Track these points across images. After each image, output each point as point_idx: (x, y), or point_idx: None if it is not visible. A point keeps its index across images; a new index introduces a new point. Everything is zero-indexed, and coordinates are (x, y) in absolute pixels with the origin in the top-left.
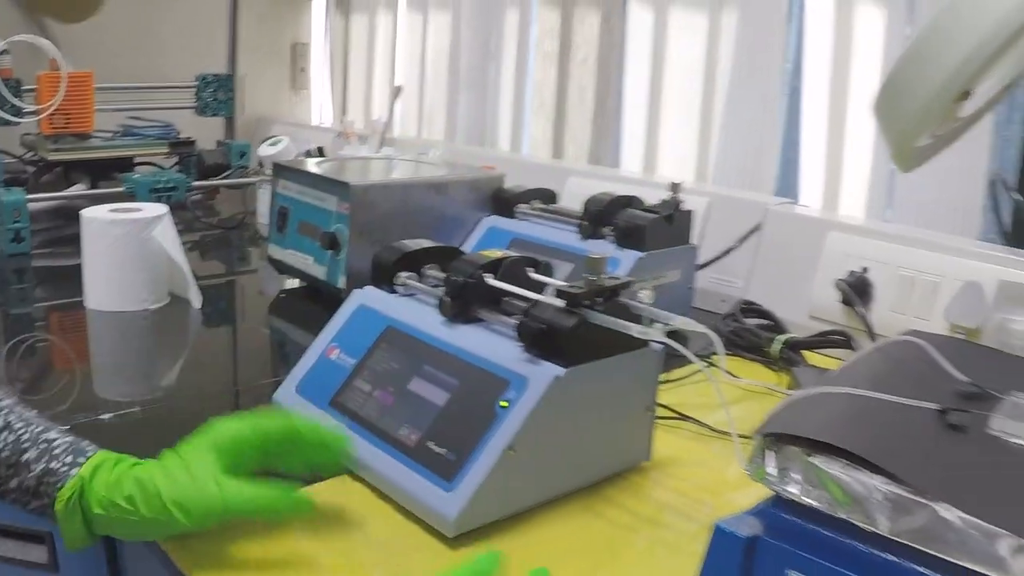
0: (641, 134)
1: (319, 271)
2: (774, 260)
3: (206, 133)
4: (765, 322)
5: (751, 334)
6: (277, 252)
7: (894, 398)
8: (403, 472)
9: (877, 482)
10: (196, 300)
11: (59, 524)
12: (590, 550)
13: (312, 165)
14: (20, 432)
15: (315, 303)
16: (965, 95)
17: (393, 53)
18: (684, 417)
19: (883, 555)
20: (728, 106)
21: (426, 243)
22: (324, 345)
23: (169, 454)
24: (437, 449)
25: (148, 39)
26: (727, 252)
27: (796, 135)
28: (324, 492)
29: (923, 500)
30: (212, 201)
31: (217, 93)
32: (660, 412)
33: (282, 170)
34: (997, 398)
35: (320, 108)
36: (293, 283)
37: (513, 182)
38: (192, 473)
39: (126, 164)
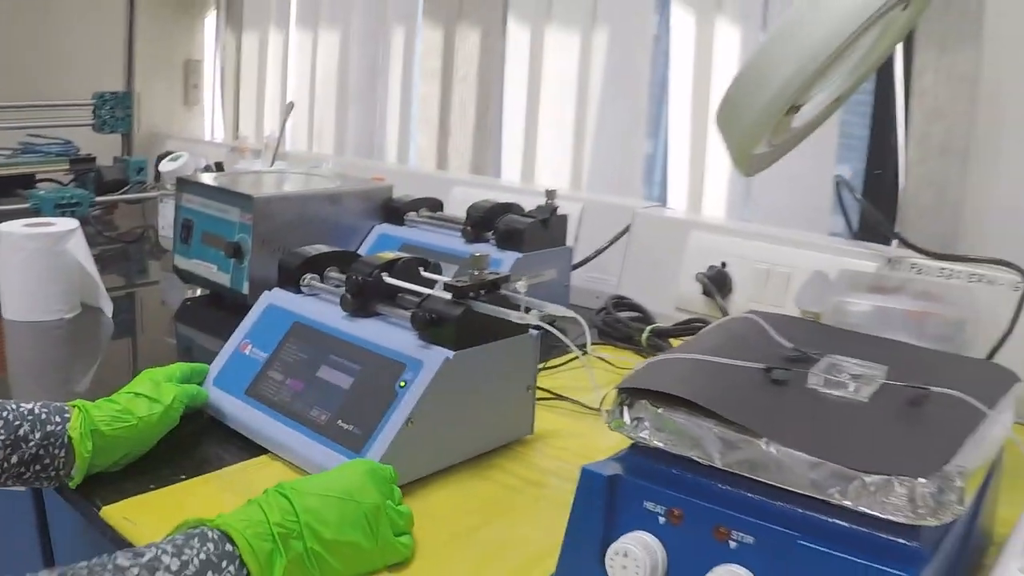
0: (519, 145)
1: (224, 279)
2: (643, 258)
3: (103, 149)
4: (635, 314)
5: (623, 325)
6: (182, 262)
7: (727, 360)
8: (316, 448)
9: (711, 424)
10: (108, 308)
11: (75, 448)
12: (483, 508)
13: (214, 179)
14: (3, 414)
15: (219, 309)
16: (795, 109)
17: (284, 70)
18: (561, 397)
19: (718, 484)
20: (600, 118)
21: (326, 248)
22: (238, 341)
23: (132, 382)
24: (345, 426)
25: (45, 57)
26: (599, 252)
27: (663, 144)
28: (249, 470)
29: (748, 437)
30: (110, 216)
31: (114, 110)
32: (540, 394)
33: (186, 184)
34: (815, 359)
35: (212, 123)
36: (196, 291)
37: (401, 192)
38: (158, 381)
39: (28, 181)
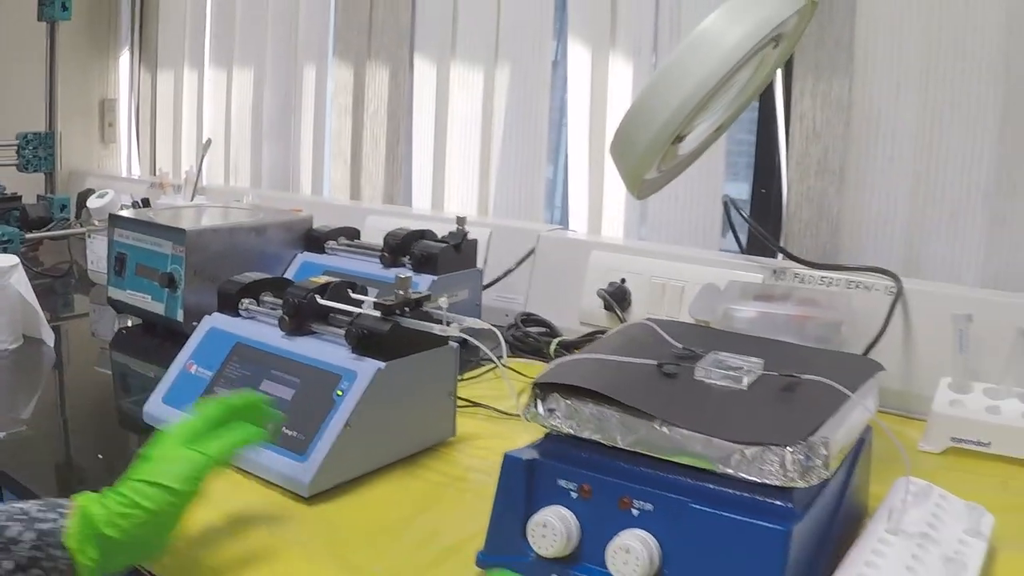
0: (429, 175)
1: (158, 307)
2: (547, 277)
3: (26, 187)
4: (543, 329)
5: (532, 339)
6: (117, 293)
7: (626, 358)
8: (264, 454)
9: (613, 411)
10: (49, 339)
11: (74, 557)
12: (415, 501)
13: (145, 214)
14: None
15: (153, 337)
16: (679, 138)
17: (200, 107)
18: (479, 404)
19: (621, 462)
20: (503, 148)
21: (261, 276)
22: (183, 362)
23: (139, 462)
24: (290, 432)
25: None
26: (507, 273)
27: (564, 170)
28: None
29: (645, 420)
30: (35, 252)
31: (37, 150)
32: (460, 403)
33: (119, 220)
34: (701, 356)
35: (129, 161)
36: (129, 321)
37: (319, 223)
38: (169, 455)
39: None
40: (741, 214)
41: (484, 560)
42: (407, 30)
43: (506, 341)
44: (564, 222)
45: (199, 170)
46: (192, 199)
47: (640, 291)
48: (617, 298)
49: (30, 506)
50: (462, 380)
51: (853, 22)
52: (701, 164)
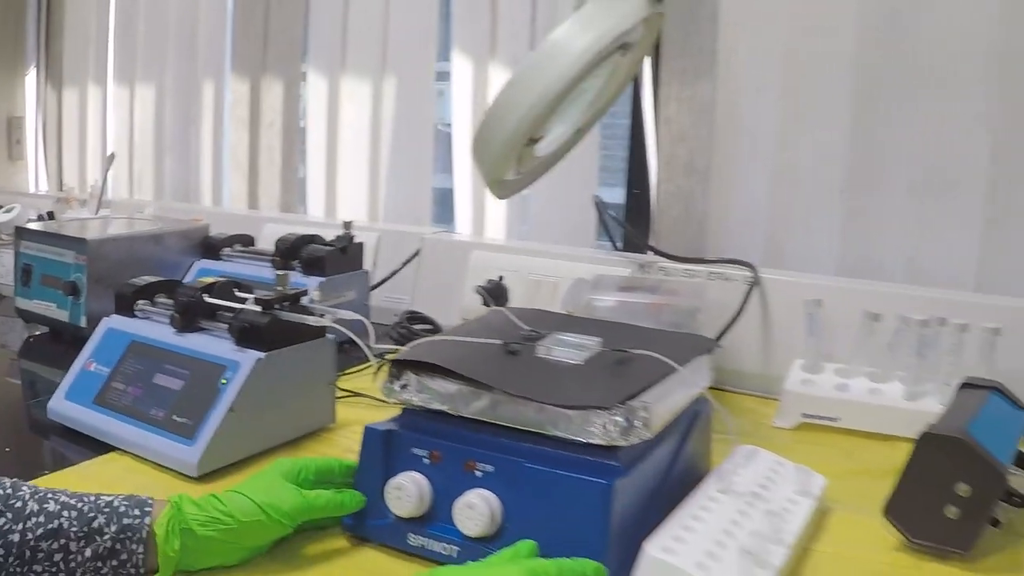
0: (322, 184)
1: (63, 315)
2: (432, 277)
3: None
4: (427, 326)
5: (416, 336)
6: (23, 303)
7: (475, 339)
8: (157, 440)
9: (459, 384)
10: None
11: (158, 546)
12: None
13: (49, 226)
14: (75, 504)
15: (60, 343)
16: (535, 141)
17: (104, 123)
18: (358, 394)
19: (466, 429)
20: (392, 157)
21: (155, 278)
22: (83, 361)
23: (249, 481)
24: (179, 419)
25: None
26: (393, 274)
27: (451, 177)
28: (98, 464)
29: (485, 391)
30: None
31: None
32: (341, 394)
33: (25, 232)
34: (544, 336)
35: (36, 176)
36: (36, 331)
37: (217, 231)
38: (278, 486)
39: None
40: (608, 213)
41: (348, 524)
42: (299, 44)
43: (392, 338)
44: (450, 226)
45: (103, 184)
46: (97, 212)
47: (517, 288)
48: (495, 295)
49: (116, 500)
50: (348, 373)
51: (716, 30)
52: (576, 168)
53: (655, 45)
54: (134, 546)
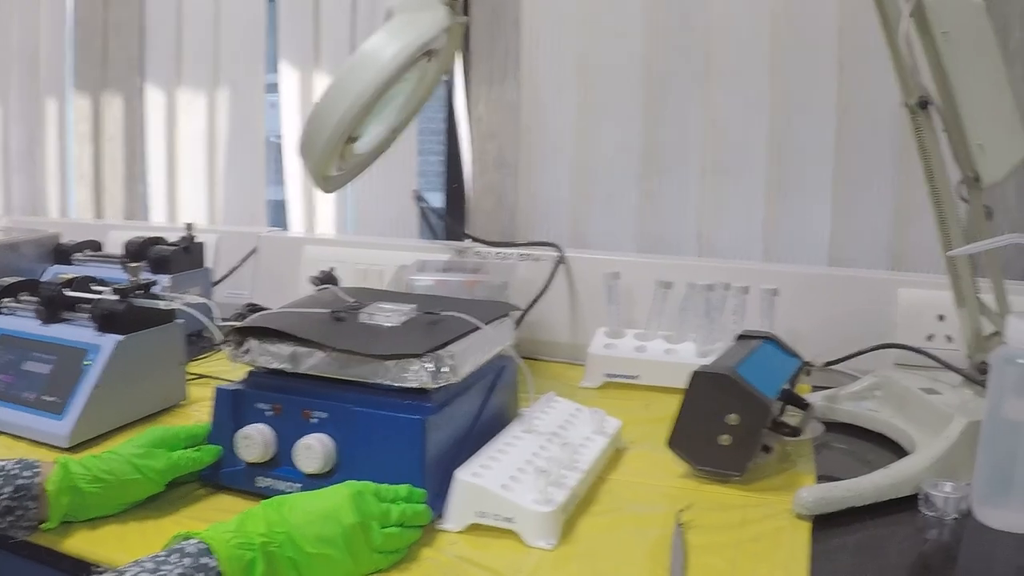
0: (163, 192)
1: None
2: (269, 272)
3: None
4: None
5: None
6: None
7: (306, 309)
8: (30, 418)
9: (292, 345)
10: None
11: (49, 500)
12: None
13: None
14: None
15: None
16: (353, 139)
17: None
18: (205, 376)
19: (301, 383)
20: (228, 163)
21: (17, 278)
22: None
23: (126, 444)
24: (49, 399)
25: None
26: (232, 271)
27: (283, 189)
28: None
29: (315, 350)
30: None
31: None
32: (191, 377)
33: None
34: (367, 305)
35: None
36: None
37: (67, 239)
38: (154, 453)
39: None
40: (423, 205)
41: (205, 475)
42: (136, 61)
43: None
44: (284, 225)
45: None
46: None
47: (347, 277)
48: (327, 283)
49: (8, 464)
50: (197, 360)
51: (519, 35)
52: (397, 165)
53: (464, 49)
54: (28, 503)
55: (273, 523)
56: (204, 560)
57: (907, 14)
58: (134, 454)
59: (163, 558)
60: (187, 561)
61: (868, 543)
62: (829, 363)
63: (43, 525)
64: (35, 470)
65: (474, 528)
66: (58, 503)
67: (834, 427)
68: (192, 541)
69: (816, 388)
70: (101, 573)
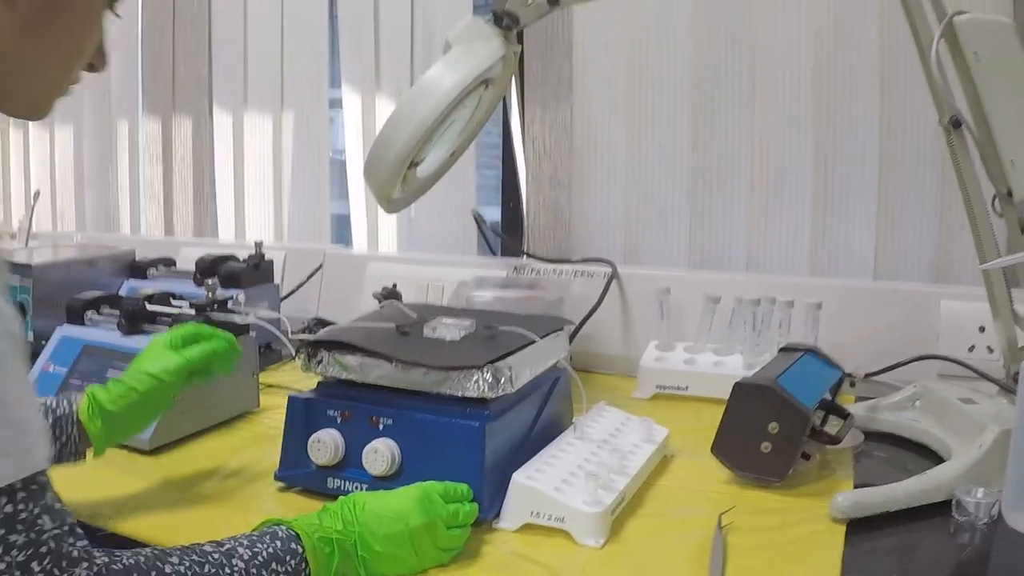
0: (231, 210)
1: None
2: (334, 287)
3: None
4: None
5: None
6: None
7: (373, 324)
8: None
9: (360, 357)
10: None
11: (85, 427)
12: (230, 447)
13: None
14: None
15: None
16: (415, 164)
17: (27, 162)
18: (277, 386)
19: (369, 392)
20: (294, 181)
21: (101, 293)
22: (42, 363)
23: (135, 360)
24: None
25: None
26: (300, 286)
27: (347, 203)
28: None
29: (382, 361)
30: None
31: None
32: (265, 386)
33: None
34: (429, 320)
35: None
36: None
37: (140, 255)
38: (157, 354)
39: None
40: (483, 224)
41: (280, 474)
42: (205, 84)
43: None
44: (348, 243)
45: (30, 218)
46: (27, 244)
47: (409, 292)
48: (390, 298)
49: (48, 400)
50: (267, 370)
51: (571, 60)
52: (457, 185)
53: (520, 74)
54: (70, 429)
55: (348, 522)
56: (293, 545)
57: (938, 36)
58: (145, 364)
59: (256, 537)
60: (278, 543)
61: (900, 546)
62: (869, 374)
63: (90, 452)
64: (70, 401)
65: (528, 527)
66: (93, 427)
67: (875, 436)
68: (282, 527)
69: (860, 399)
70: (201, 545)
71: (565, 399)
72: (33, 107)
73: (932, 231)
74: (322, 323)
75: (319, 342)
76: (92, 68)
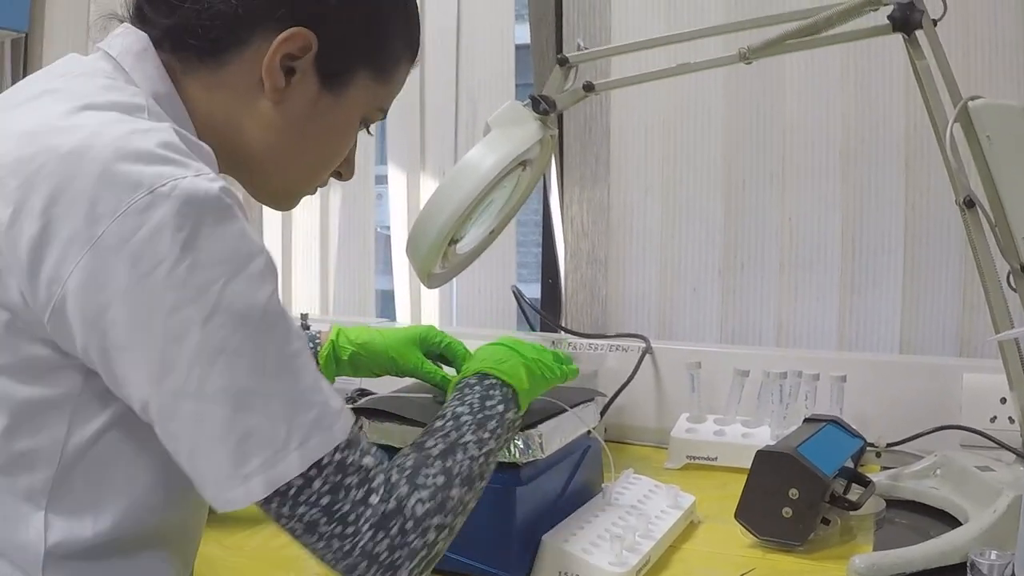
0: (280, 282)
1: None
2: None
3: None
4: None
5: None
6: None
7: (412, 394)
8: None
9: (402, 425)
10: None
11: (322, 369)
12: None
13: None
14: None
15: None
16: (455, 241)
17: None
18: None
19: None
20: (339, 256)
21: None
22: None
23: (390, 331)
24: None
25: None
26: None
27: (391, 279)
28: None
29: (418, 428)
30: None
31: None
32: None
33: None
34: None
35: None
36: None
37: None
38: (406, 345)
39: None
40: (522, 299)
41: None
42: None
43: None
44: (392, 316)
45: None
46: None
47: None
48: None
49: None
50: None
51: (609, 142)
52: (497, 261)
53: (559, 155)
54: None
55: (505, 348)
56: (487, 380)
57: (952, 120)
58: (392, 347)
59: (458, 397)
60: (476, 388)
61: None
62: (891, 444)
63: None
64: (316, 342)
65: None
66: (327, 371)
67: (897, 504)
68: (469, 377)
69: (885, 468)
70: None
71: (595, 467)
72: (280, 200)
73: (956, 306)
74: (365, 393)
75: (361, 410)
76: (339, 176)
